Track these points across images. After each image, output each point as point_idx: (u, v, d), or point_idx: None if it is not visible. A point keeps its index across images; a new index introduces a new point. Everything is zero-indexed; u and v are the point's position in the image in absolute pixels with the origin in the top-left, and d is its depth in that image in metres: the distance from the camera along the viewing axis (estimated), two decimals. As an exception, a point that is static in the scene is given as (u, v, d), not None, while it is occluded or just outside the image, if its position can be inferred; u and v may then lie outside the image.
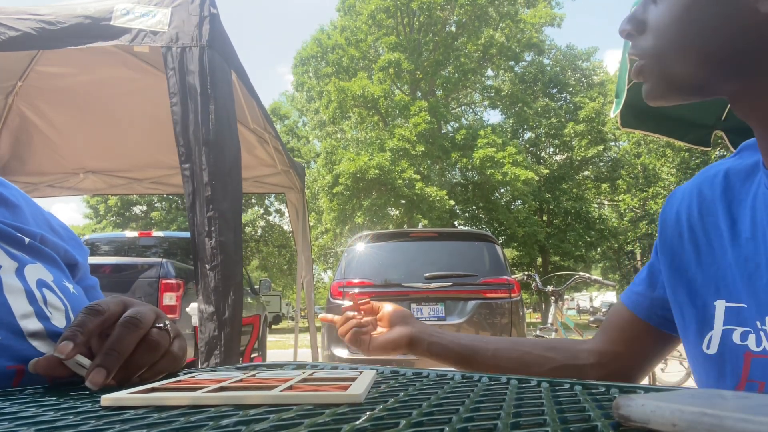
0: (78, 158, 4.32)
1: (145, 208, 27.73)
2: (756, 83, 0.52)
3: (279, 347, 11.73)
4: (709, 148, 3.27)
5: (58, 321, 0.57)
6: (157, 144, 4.11)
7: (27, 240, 0.63)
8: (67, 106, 3.68)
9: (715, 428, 0.23)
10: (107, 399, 0.37)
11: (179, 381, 0.46)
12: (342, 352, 4.28)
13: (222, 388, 0.41)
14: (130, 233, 6.41)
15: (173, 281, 4.47)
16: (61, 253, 0.69)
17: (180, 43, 2.25)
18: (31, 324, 0.54)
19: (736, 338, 0.59)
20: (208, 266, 2.12)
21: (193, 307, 2.27)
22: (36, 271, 0.60)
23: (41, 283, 0.59)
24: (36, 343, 0.54)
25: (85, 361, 0.48)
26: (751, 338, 0.57)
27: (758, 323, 0.56)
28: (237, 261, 2.25)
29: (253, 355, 6.11)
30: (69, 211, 63.04)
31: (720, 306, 0.61)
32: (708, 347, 0.62)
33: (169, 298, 4.41)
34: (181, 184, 4.15)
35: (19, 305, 0.54)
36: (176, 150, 2.21)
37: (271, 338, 14.16)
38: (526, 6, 24.59)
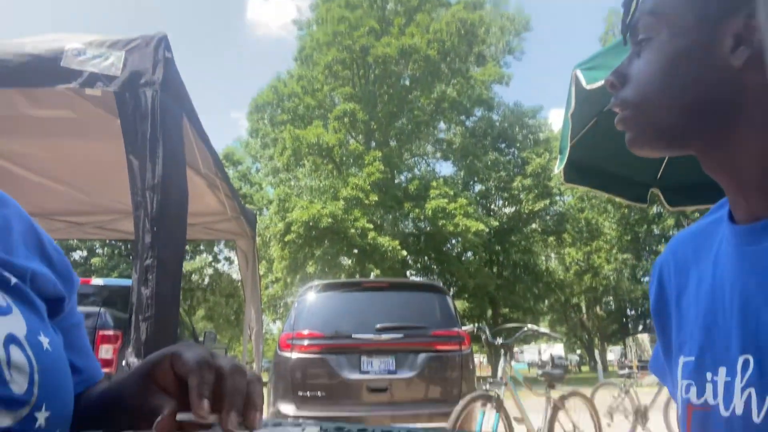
0: (17, 200, 4.12)
1: (85, 253, 26.56)
2: (729, 134, 0.55)
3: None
4: (646, 205, 3.44)
5: (18, 386, 0.51)
6: (102, 188, 3.98)
7: (14, 280, 0.57)
8: (3, 145, 3.53)
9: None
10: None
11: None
12: (288, 409, 4.12)
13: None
14: None
15: (111, 332, 4.24)
16: (49, 291, 0.62)
17: (134, 89, 2.21)
18: None
19: (682, 392, 0.60)
20: (141, 317, 2.01)
21: (130, 362, 2.14)
22: (7, 324, 0.53)
23: (9, 339, 0.52)
24: None
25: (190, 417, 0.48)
26: (693, 390, 0.58)
27: (709, 374, 0.56)
28: (173, 313, 2.15)
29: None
30: (1, 255, 59.54)
31: (680, 363, 0.62)
32: (678, 408, 0.62)
33: (105, 351, 4.16)
34: (125, 229, 3.98)
35: None
36: (120, 194, 2.14)
37: (214, 392, 13.48)
38: (476, 64, 25.82)
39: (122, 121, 2.23)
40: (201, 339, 7.01)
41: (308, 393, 4.15)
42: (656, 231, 26.99)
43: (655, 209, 24.91)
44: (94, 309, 4.41)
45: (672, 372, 0.65)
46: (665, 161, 3.20)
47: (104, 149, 3.31)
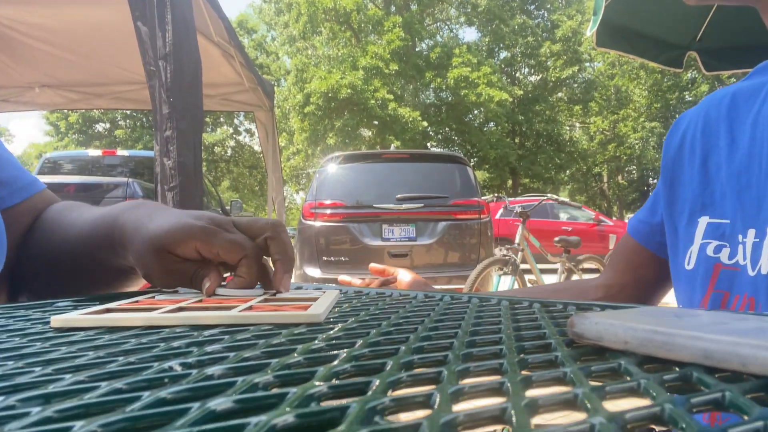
0: (32, 71, 4.07)
1: (108, 125, 26.74)
2: None
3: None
4: (681, 70, 3.26)
5: None
6: (116, 57, 3.89)
7: None
8: (17, 16, 3.41)
9: (666, 345, 0.23)
10: (57, 320, 0.36)
11: (136, 302, 0.45)
12: (314, 272, 4.35)
13: (179, 309, 0.40)
14: (94, 152, 6.21)
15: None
16: None
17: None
18: None
19: (709, 251, 0.60)
20: (166, 187, 2.05)
21: None
22: None
23: None
24: None
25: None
26: (725, 251, 0.59)
27: (740, 236, 0.57)
28: (197, 182, 2.19)
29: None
30: (28, 128, 60.53)
31: (703, 222, 0.62)
32: (688, 263, 0.63)
33: (137, 219, 4.33)
34: (143, 99, 3.95)
35: None
36: (135, 63, 2.09)
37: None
38: None
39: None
40: (228, 207, 7.25)
41: (332, 258, 4.35)
42: (688, 98, 25.89)
43: (689, 75, 23.68)
44: (123, 179, 4.53)
45: (690, 228, 0.65)
46: (707, 22, 2.97)
47: (111, 16, 3.18)
